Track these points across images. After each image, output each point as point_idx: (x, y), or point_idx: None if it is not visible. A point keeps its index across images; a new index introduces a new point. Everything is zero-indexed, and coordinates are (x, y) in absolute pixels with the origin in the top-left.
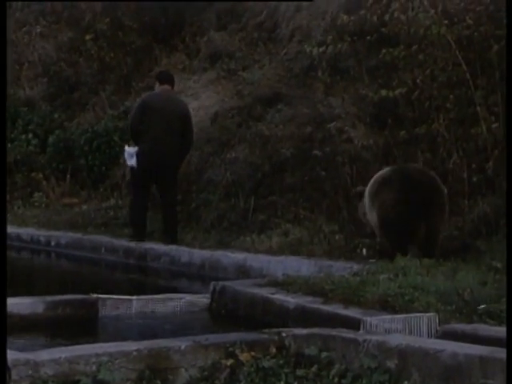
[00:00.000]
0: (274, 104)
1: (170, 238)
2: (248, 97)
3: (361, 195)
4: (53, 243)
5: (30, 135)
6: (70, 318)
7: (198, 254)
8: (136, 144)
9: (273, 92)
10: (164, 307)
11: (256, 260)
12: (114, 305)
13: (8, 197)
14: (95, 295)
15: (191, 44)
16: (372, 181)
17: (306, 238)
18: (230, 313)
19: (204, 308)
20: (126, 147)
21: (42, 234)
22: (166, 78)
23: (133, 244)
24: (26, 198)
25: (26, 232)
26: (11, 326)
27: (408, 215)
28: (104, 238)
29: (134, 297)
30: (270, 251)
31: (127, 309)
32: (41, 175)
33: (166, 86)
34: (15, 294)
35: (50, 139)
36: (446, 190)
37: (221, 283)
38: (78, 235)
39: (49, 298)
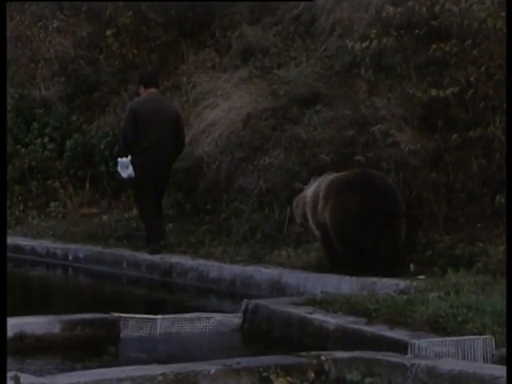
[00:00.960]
0: (312, 105)
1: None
2: (283, 97)
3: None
4: (70, 257)
5: (46, 139)
6: (89, 338)
7: (229, 270)
8: (130, 155)
9: (311, 92)
10: (191, 328)
11: (292, 276)
12: (137, 325)
13: (22, 206)
14: (116, 314)
15: (221, 39)
16: (326, 182)
17: None
18: (264, 334)
19: (235, 328)
20: (119, 159)
21: (58, 247)
22: (151, 81)
23: (157, 258)
24: (42, 208)
25: (42, 245)
26: (25, 347)
27: (370, 219)
28: (126, 252)
29: (159, 316)
30: (307, 266)
31: (151, 329)
32: (57, 183)
33: (152, 89)
34: (29, 313)
35: (68, 144)
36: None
37: (254, 301)
38: (98, 248)
39: (66, 317)
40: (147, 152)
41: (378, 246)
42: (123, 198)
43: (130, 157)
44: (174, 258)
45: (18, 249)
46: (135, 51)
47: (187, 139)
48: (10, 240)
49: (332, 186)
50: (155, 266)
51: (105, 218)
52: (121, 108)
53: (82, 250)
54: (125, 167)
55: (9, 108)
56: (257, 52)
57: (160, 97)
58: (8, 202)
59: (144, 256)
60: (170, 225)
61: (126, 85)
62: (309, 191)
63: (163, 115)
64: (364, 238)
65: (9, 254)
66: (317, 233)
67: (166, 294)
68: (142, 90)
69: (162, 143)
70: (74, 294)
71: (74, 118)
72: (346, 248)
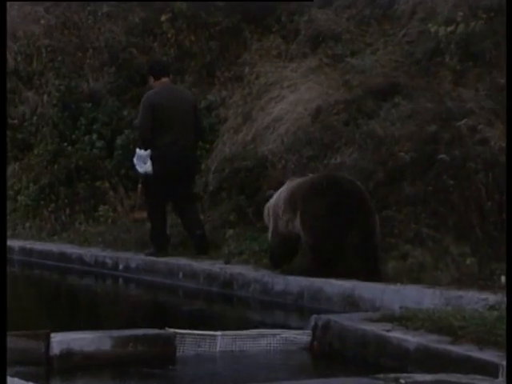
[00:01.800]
0: (390, 97)
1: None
2: (357, 88)
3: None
4: (121, 266)
5: (95, 136)
6: (142, 356)
7: (296, 282)
8: (151, 150)
9: (388, 82)
10: (255, 345)
11: (367, 289)
12: (195, 342)
13: (68, 211)
14: (172, 330)
15: (288, 24)
16: (292, 186)
17: (429, 263)
18: (336, 353)
19: (304, 347)
20: (138, 150)
21: (107, 255)
22: (162, 70)
23: (216, 268)
24: (90, 212)
25: (90, 253)
26: (73, 365)
27: (340, 223)
28: (182, 261)
29: (219, 332)
30: (384, 278)
31: (210, 346)
32: (107, 184)
33: (164, 79)
34: (77, 328)
35: (118, 141)
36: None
37: (324, 317)
38: (152, 258)
39: (117, 333)
40: (171, 147)
41: (348, 247)
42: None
43: (149, 151)
44: (235, 269)
45: (64, 257)
46: (192, 38)
47: (249, 135)
48: (56, 247)
49: (298, 191)
50: (214, 276)
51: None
52: None
53: (134, 258)
54: (142, 161)
55: (54, 102)
56: (328, 38)
57: (175, 86)
58: (53, 206)
59: (202, 266)
60: (231, 231)
61: (183, 75)
62: (275, 198)
63: (183, 105)
64: (336, 243)
65: (54, 263)
66: (272, 242)
67: (227, 308)
68: (152, 81)
69: (186, 136)
70: (125, 306)
71: (126, 113)
72: (316, 251)
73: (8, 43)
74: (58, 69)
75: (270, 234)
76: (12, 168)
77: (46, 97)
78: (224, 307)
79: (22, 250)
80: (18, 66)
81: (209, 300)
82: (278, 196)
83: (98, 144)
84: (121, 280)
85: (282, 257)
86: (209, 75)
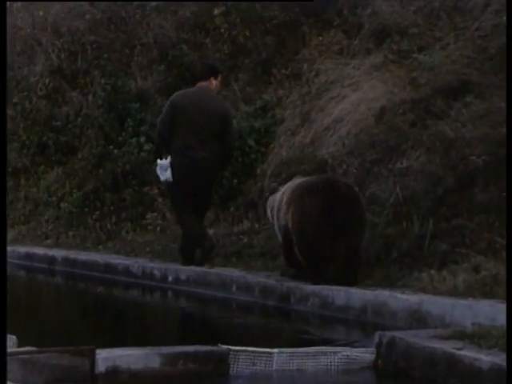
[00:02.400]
0: (461, 96)
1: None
2: (425, 87)
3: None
4: (170, 278)
5: (143, 139)
6: (194, 374)
7: (358, 295)
8: (167, 154)
9: (459, 80)
10: (314, 364)
11: (435, 304)
12: (250, 359)
13: (114, 218)
14: (225, 346)
15: (350, 18)
16: (290, 187)
17: (503, 275)
18: (402, 373)
19: (367, 366)
20: (159, 160)
21: (156, 266)
22: (200, 73)
23: (272, 281)
24: (137, 220)
25: (137, 264)
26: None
27: (331, 226)
28: (235, 273)
29: (275, 350)
30: (454, 292)
31: (266, 365)
32: (155, 190)
33: (201, 83)
34: (123, 344)
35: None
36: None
37: (389, 334)
38: (202, 268)
39: (166, 350)
40: (184, 152)
41: (335, 251)
42: (232, 209)
43: (169, 158)
44: (293, 281)
45: (109, 268)
46: (247, 33)
47: (308, 138)
48: (101, 258)
49: (295, 191)
50: (270, 289)
51: (211, 232)
52: (231, 101)
53: (184, 270)
54: (164, 170)
55: (100, 102)
56: (393, 33)
57: (205, 91)
58: (98, 214)
59: (257, 278)
60: None
61: (237, 73)
62: (278, 194)
63: (204, 112)
64: (321, 244)
65: (99, 275)
66: (279, 238)
67: (284, 323)
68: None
69: (201, 143)
70: (175, 321)
71: None
72: (305, 253)
73: (51, 40)
74: (104, 67)
75: (277, 235)
76: (55, 173)
77: (91, 97)
78: (281, 322)
79: (65, 260)
80: (61, 64)
81: (264, 314)
82: (282, 193)
83: (146, 147)
84: (170, 293)
85: (290, 256)
86: (264, 73)
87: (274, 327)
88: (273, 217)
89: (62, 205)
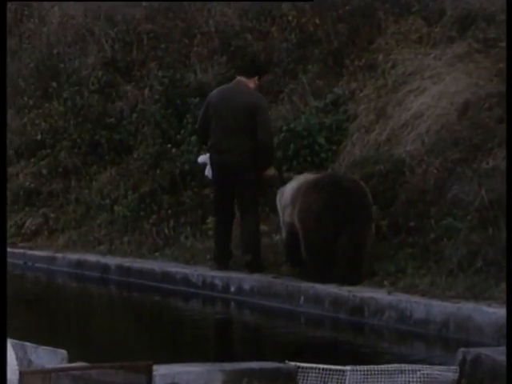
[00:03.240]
0: None
1: (250, 269)
2: None
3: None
4: (232, 289)
5: None
6: None
7: (439, 308)
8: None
9: None
10: (390, 382)
11: None
12: (320, 377)
13: (172, 223)
14: (293, 363)
15: (431, 3)
16: (296, 185)
17: None
18: None
19: None
20: (201, 156)
21: (217, 275)
22: (246, 69)
23: (344, 292)
24: (197, 225)
25: (197, 272)
26: None
27: (334, 222)
28: (303, 283)
29: (348, 367)
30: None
31: (338, 383)
32: None
33: (240, 78)
34: (182, 359)
35: None
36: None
37: (474, 351)
38: (267, 278)
39: (229, 366)
40: (215, 150)
41: (339, 248)
42: None
43: (207, 155)
44: (367, 292)
45: (167, 277)
46: (317, 21)
47: (383, 135)
48: (158, 266)
49: (301, 187)
50: (341, 301)
51: (277, 237)
52: (299, 95)
53: (248, 279)
54: (205, 166)
55: (156, 96)
56: (479, 19)
57: (239, 86)
58: (155, 218)
59: (327, 289)
60: None
61: (305, 64)
62: (286, 188)
63: (229, 107)
64: (326, 239)
65: (156, 284)
66: (283, 235)
67: (356, 338)
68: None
69: (229, 142)
70: (238, 335)
71: None
72: (309, 250)
73: (105, 29)
74: (161, 58)
75: (281, 228)
76: (108, 174)
77: (147, 91)
78: (353, 337)
79: (120, 268)
80: (115, 56)
81: (335, 328)
82: (289, 188)
83: (204, 147)
84: (232, 304)
85: (291, 254)
86: (336, 64)
87: (347, 342)
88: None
89: (115, 208)
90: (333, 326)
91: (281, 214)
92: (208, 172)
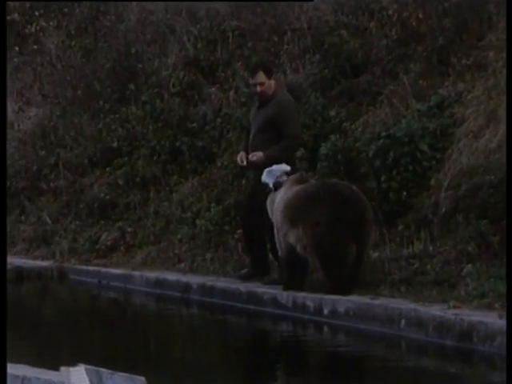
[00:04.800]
0: None
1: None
2: None
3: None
4: (326, 311)
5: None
6: None
7: None
8: None
9: None
10: None
11: None
12: None
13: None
14: None
15: None
16: (287, 197)
17: None
18: None
19: None
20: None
21: (309, 296)
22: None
23: (450, 315)
24: None
25: (286, 293)
26: None
27: (347, 233)
28: (404, 305)
29: None
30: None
31: None
32: None
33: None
34: None
35: (323, 148)
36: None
37: None
38: (365, 299)
39: None
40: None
41: (349, 257)
42: (401, 227)
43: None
44: (475, 316)
45: (253, 297)
46: (420, 15)
47: (494, 142)
48: (243, 286)
49: (292, 206)
50: (447, 326)
51: (375, 255)
52: (399, 97)
53: (343, 301)
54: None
55: (243, 99)
56: None
57: (261, 93)
58: (240, 232)
59: (431, 311)
60: (469, 266)
61: (407, 64)
62: (278, 196)
63: (256, 114)
64: (344, 252)
65: (242, 305)
66: (280, 253)
67: (465, 368)
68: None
69: (251, 147)
70: (332, 362)
71: (333, 113)
72: (326, 266)
73: (186, 26)
74: (248, 58)
75: (278, 246)
76: (189, 184)
77: (232, 93)
78: (461, 366)
79: (202, 288)
80: (198, 55)
81: (440, 356)
82: (277, 204)
83: (298, 153)
84: (325, 328)
85: (292, 274)
86: (441, 63)
87: (453, 372)
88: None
89: (197, 222)
90: (437, 353)
91: (276, 234)
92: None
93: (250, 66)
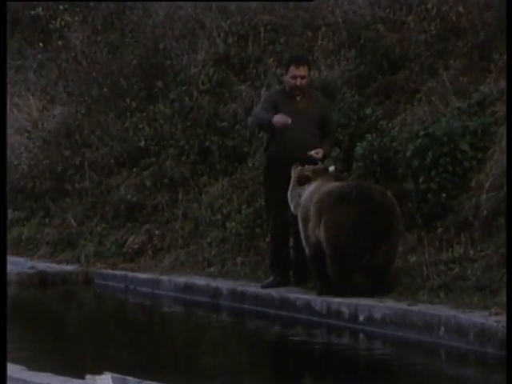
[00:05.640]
0: None
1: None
2: None
3: (303, 181)
4: (361, 318)
5: None
6: None
7: None
8: None
9: None
10: None
11: None
12: None
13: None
14: None
15: None
16: (318, 195)
17: None
18: None
19: None
20: None
21: (344, 302)
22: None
23: (492, 322)
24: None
25: (320, 299)
26: None
27: (369, 239)
28: (443, 311)
29: None
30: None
31: None
32: None
33: None
34: None
35: (359, 148)
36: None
37: None
38: (402, 305)
39: None
40: None
41: (372, 264)
42: (440, 230)
43: None
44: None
45: (286, 303)
46: (461, 9)
47: None
48: (275, 291)
49: (325, 199)
50: (489, 333)
51: (412, 259)
52: (439, 95)
53: (379, 307)
54: None
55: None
56: None
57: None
58: None
59: (472, 318)
60: None
61: (447, 60)
62: (305, 192)
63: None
64: (359, 256)
65: (273, 311)
66: (307, 252)
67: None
68: None
69: (303, 143)
70: (368, 371)
71: (369, 111)
72: (339, 266)
73: (217, 21)
74: (281, 53)
75: (303, 242)
76: (219, 185)
77: (263, 91)
78: (503, 375)
79: (232, 293)
80: (228, 51)
81: (482, 365)
82: (309, 196)
83: (333, 153)
84: (361, 335)
85: (319, 270)
86: (482, 59)
87: (495, 382)
88: (298, 216)
89: (228, 224)
90: (479, 362)
91: (302, 225)
92: None
93: (284, 61)
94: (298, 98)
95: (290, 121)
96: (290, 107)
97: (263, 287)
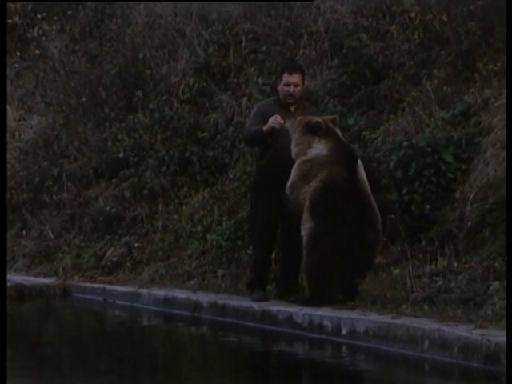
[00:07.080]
0: None
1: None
2: None
3: (315, 128)
4: (344, 331)
5: None
6: None
7: None
8: None
9: None
10: None
11: None
12: None
13: (274, 254)
14: None
15: None
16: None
17: None
18: None
19: None
20: None
21: (326, 315)
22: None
23: (476, 336)
24: None
25: (302, 312)
26: None
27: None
28: (427, 324)
29: None
30: None
31: None
32: None
33: None
34: None
35: None
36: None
37: None
38: (386, 319)
39: None
40: None
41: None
42: (424, 242)
43: None
44: (504, 336)
45: (268, 317)
46: (444, 18)
47: None
48: (257, 304)
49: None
50: (474, 347)
51: (396, 271)
52: (422, 105)
53: (362, 320)
54: None
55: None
56: None
57: None
58: None
59: (456, 332)
60: (496, 284)
61: (430, 69)
62: (316, 146)
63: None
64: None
65: (255, 325)
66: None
67: None
68: None
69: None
70: None
71: (351, 121)
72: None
73: (197, 30)
74: (262, 63)
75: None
76: (200, 197)
77: (245, 101)
78: None
79: (213, 306)
80: (209, 60)
81: (467, 379)
82: (319, 158)
83: None
84: (344, 349)
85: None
86: (466, 68)
87: None
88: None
89: (208, 236)
90: (463, 376)
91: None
92: None
93: (264, 70)
94: (292, 109)
95: (282, 121)
96: (283, 118)
97: (255, 300)
